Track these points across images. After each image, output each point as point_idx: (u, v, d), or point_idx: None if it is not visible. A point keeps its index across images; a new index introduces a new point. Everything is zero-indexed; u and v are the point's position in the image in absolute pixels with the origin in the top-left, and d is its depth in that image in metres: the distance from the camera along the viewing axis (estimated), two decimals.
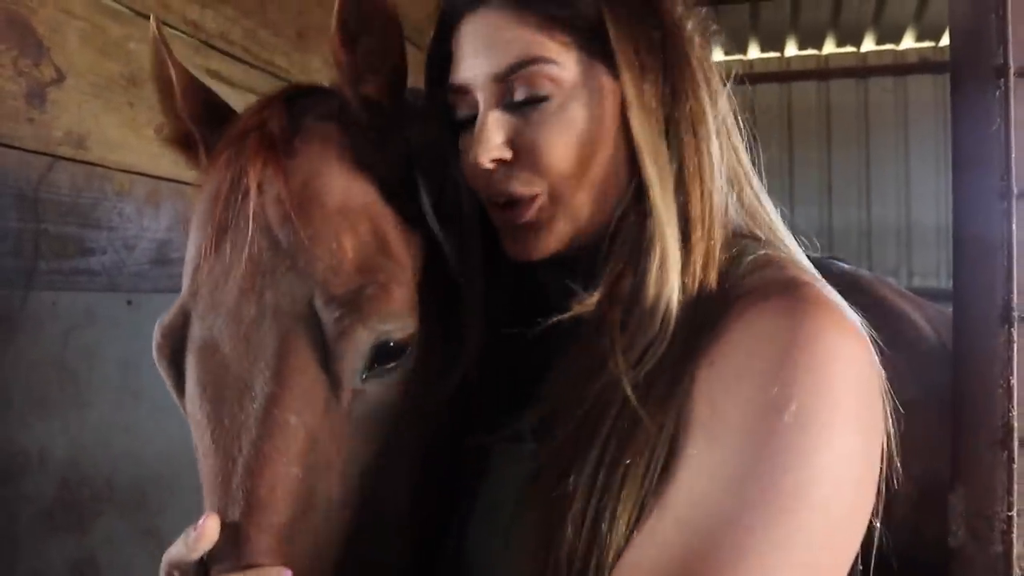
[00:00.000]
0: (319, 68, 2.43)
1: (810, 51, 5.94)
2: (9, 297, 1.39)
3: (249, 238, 0.77)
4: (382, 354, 0.76)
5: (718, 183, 0.77)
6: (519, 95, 0.78)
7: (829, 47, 5.90)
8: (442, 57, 0.84)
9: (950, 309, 1.40)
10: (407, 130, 0.89)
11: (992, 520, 0.75)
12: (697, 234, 0.74)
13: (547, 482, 0.71)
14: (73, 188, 1.56)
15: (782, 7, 5.42)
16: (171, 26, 1.88)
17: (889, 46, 5.81)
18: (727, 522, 0.60)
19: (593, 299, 0.75)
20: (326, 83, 0.95)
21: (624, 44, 0.77)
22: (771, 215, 0.84)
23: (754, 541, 0.59)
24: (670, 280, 0.72)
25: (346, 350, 0.74)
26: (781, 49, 5.97)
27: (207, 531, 0.69)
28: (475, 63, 0.79)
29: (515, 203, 0.79)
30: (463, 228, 0.87)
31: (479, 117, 0.79)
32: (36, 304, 1.44)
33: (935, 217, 5.60)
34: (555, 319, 0.76)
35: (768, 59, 6.01)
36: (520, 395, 0.82)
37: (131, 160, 1.72)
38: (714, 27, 0.86)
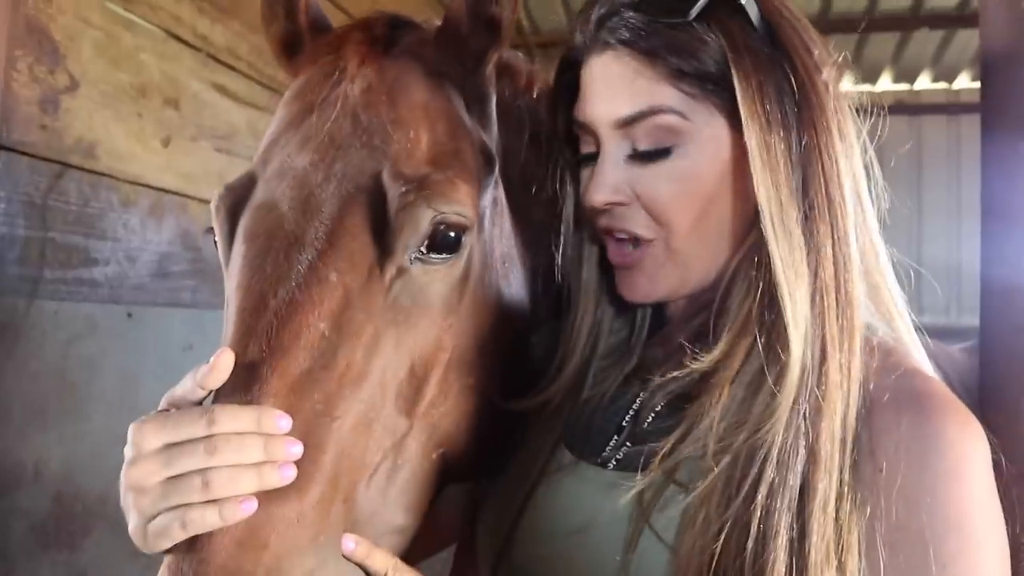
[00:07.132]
0: None
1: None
2: (13, 305, 1.36)
3: (333, 115, 0.82)
4: (437, 241, 0.78)
5: (853, 249, 0.73)
6: (641, 144, 0.79)
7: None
8: (567, 87, 0.87)
9: (956, 347, 1.42)
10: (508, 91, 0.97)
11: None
12: (828, 299, 0.71)
13: (697, 524, 0.70)
14: (81, 197, 1.54)
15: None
16: (181, 39, 1.87)
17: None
18: None
19: (714, 355, 0.74)
20: None
21: (750, 97, 0.74)
22: (894, 291, 0.81)
23: None
24: (794, 336, 0.70)
25: (405, 222, 0.76)
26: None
27: (221, 365, 0.68)
28: (600, 107, 0.81)
29: (629, 243, 0.82)
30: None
31: (600, 158, 0.82)
32: (39, 313, 1.42)
33: (945, 255, 5.69)
34: (678, 373, 0.76)
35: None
36: (603, 418, 0.84)
37: (137, 171, 1.71)
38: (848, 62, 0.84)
